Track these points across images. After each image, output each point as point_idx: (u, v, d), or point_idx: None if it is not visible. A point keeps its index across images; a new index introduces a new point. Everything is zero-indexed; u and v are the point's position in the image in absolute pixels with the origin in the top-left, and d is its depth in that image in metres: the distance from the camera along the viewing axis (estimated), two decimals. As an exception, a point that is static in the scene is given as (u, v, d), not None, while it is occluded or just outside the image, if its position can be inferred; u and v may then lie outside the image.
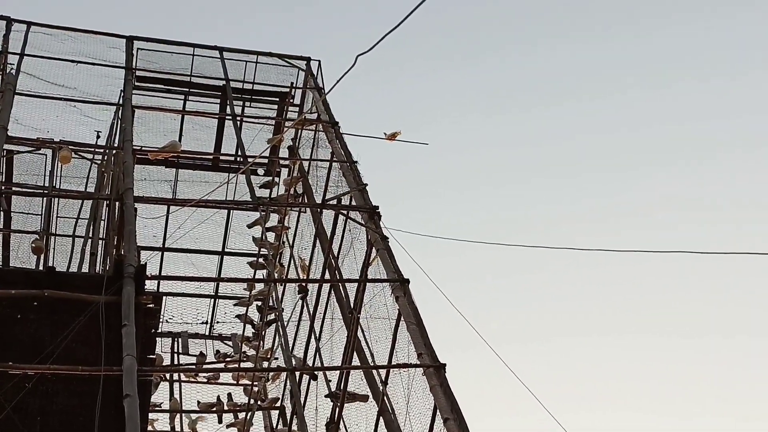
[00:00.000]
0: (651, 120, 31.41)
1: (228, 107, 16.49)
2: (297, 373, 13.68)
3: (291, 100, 17.37)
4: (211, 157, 17.04)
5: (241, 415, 15.12)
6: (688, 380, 28.03)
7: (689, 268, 26.35)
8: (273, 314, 15.71)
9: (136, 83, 16.13)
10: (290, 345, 14.77)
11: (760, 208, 28.87)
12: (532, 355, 25.98)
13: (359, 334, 12.24)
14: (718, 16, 31.43)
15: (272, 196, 16.70)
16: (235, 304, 16.75)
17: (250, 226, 15.98)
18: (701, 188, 30.72)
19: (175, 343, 17.08)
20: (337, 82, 8.06)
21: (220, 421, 15.32)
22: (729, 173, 30.23)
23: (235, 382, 16.01)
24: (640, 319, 28.96)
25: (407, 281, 11.53)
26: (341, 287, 13.21)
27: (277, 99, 17.58)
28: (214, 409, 15.28)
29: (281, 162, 16.93)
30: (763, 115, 29.91)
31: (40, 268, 13.51)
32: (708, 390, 27.40)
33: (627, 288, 28.93)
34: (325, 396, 12.49)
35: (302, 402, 13.48)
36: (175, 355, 16.94)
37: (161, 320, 13.32)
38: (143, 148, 15.12)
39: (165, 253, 16.77)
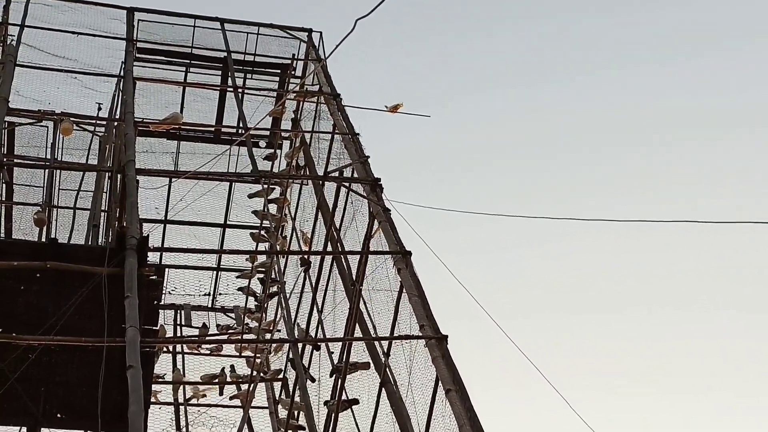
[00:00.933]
0: (656, 93, 31.33)
1: (229, 79, 16.43)
2: (299, 345, 13.72)
3: (292, 72, 17.31)
4: (212, 129, 17.01)
5: (244, 387, 15.19)
6: (694, 355, 28.08)
7: (695, 240, 26.36)
8: (275, 286, 15.74)
9: (137, 55, 16.07)
10: (292, 317, 14.81)
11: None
12: (535, 328, 26.05)
13: (361, 306, 12.27)
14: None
15: (274, 169, 16.69)
16: (237, 277, 16.77)
17: (251, 197, 15.97)
18: (706, 161, 30.69)
19: (178, 315, 17.12)
20: (336, 47, 8.03)
21: (221, 393, 15.39)
22: (736, 147, 30.17)
23: (237, 354, 16.08)
24: (645, 293, 29.01)
25: (409, 253, 11.53)
26: (343, 259, 13.22)
27: (279, 71, 17.52)
28: (216, 380, 15.34)
29: (283, 134, 16.90)
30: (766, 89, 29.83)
31: (43, 240, 13.53)
32: (715, 365, 27.45)
33: (633, 260, 28.94)
34: (330, 374, 12.52)
35: (305, 373, 13.53)
36: (178, 327, 16.99)
37: (164, 292, 13.33)
38: (144, 120, 15.09)
39: (167, 225, 16.77)
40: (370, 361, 11.74)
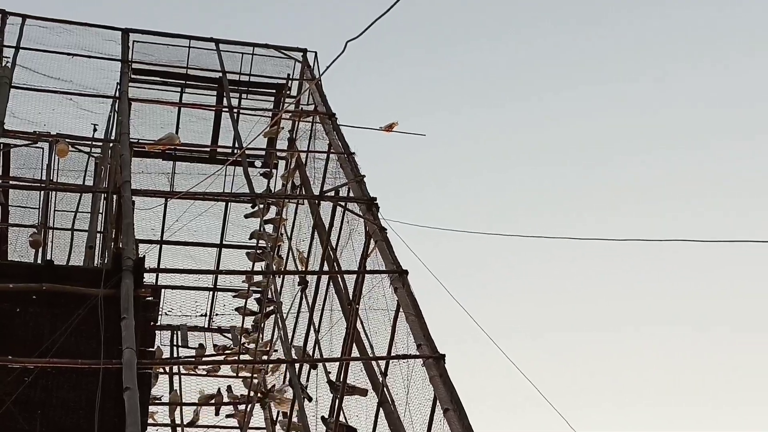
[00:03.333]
0: (646, 107, 31.41)
1: (225, 99, 16.47)
2: (297, 365, 13.69)
3: (288, 92, 17.34)
4: (208, 149, 17.03)
5: (242, 407, 15.14)
6: (693, 372, 28.07)
7: (690, 258, 26.37)
8: (272, 306, 15.72)
9: (133, 76, 16.11)
10: (289, 337, 14.78)
11: (759, 196, 28.91)
12: (532, 347, 26.01)
13: (358, 325, 12.25)
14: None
15: (270, 189, 16.70)
16: (234, 297, 16.76)
17: (247, 217, 15.99)
18: (699, 176, 30.75)
19: (175, 335, 17.08)
20: (327, 68, 8.06)
21: (216, 413, 15.33)
22: (726, 160, 30.24)
23: (234, 375, 16.03)
24: (643, 311, 28.97)
25: (406, 272, 11.52)
26: (340, 279, 13.21)
27: (274, 91, 17.56)
28: (213, 401, 15.29)
29: (278, 154, 16.92)
30: (761, 102, 29.92)
31: (39, 261, 13.50)
32: (714, 380, 27.44)
33: (630, 279, 28.94)
34: (326, 382, 12.50)
35: (302, 392, 13.49)
36: (175, 348, 16.94)
37: (160, 313, 13.30)
38: (140, 141, 15.11)
39: (163, 246, 16.75)
40: (369, 384, 11.71)
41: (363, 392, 11.80)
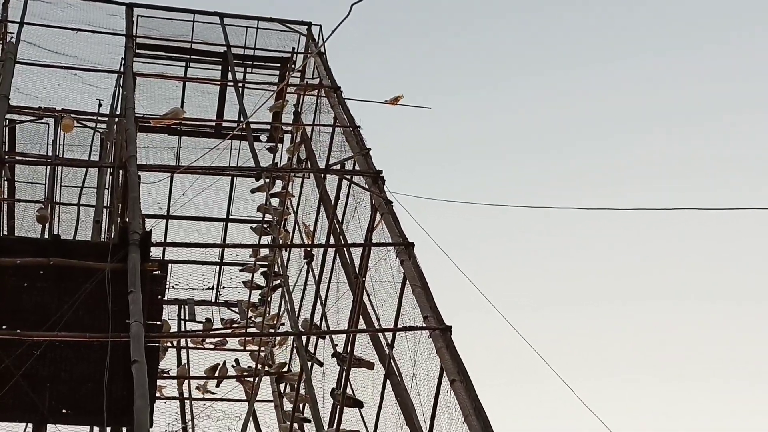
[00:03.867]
0: (655, 83, 31.28)
1: (229, 73, 16.43)
2: (304, 338, 13.74)
3: (292, 66, 17.29)
4: (213, 123, 17.01)
5: (248, 380, 15.21)
6: (701, 344, 28.07)
7: (698, 229, 26.34)
8: (278, 280, 15.75)
9: (137, 50, 16.06)
10: (296, 310, 14.83)
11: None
12: (540, 318, 26.05)
13: (365, 298, 12.28)
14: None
15: (276, 163, 16.69)
16: (240, 270, 16.80)
17: (253, 191, 15.99)
18: (705, 148, 30.65)
19: (182, 309, 17.14)
20: (333, 32, 8.03)
21: (218, 385, 15.39)
22: (733, 133, 30.14)
23: (242, 348, 16.10)
24: (651, 284, 28.97)
25: (412, 245, 11.53)
26: (346, 252, 13.22)
27: (279, 65, 17.51)
28: (218, 373, 15.36)
29: (284, 128, 16.90)
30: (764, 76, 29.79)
31: (45, 236, 13.54)
32: (720, 353, 27.44)
33: (637, 250, 28.92)
34: (332, 356, 12.55)
35: (309, 366, 13.55)
36: (182, 322, 17.01)
37: (167, 287, 13.34)
38: (145, 116, 15.10)
39: (169, 220, 16.77)
40: (376, 356, 11.75)
41: (370, 365, 11.84)
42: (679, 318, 28.06)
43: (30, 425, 10.42)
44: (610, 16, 32.39)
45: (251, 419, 14.59)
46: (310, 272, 14.73)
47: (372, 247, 12.21)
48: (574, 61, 32.23)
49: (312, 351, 13.72)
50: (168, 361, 15.44)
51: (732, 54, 30.54)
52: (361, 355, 11.96)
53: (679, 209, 10.69)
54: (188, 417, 15.38)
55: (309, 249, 14.62)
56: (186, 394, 15.56)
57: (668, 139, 30.62)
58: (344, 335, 12.47)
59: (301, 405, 13.93)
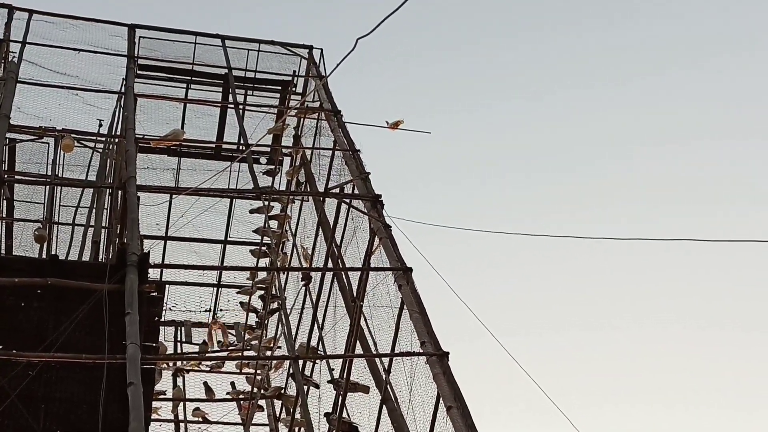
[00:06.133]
0: (651, 106, 31.37)
1: (230, 95, 16.47)
2: (300, 362, 13.70)
3: (293, 89, 17.34)
4: (213, 145, 17.03)
5: (245, 404, 15.15)
6: (698, 373, 28.01)
7: (694, 258, 26.33)
8: (276, 303, 15.72)
9: (138, 71, 16.10)
10: (293, 333, 14.79)
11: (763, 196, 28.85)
12: (536, 345, 25.98)
13: (362, 322, 12.25)
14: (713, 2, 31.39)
15: (275, 185, 16.70)
16: (238, 292, 16.77)
17: (252, 212, 16.00)
18: (704, 176, 30.70)
19: (179, 331, 17.10)
20: (337, 65, 8.07)
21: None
22: (731, 160, 30.20)
23: (238, 371, 16.04)
24: (649, 310, 28.93)
25: (410, 269, 11.52)
26: (344, 276, 13.21)
27: (280, 87, 17.56)
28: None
29: (283, 150, 16.92)
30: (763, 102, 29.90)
31: (43, 256, 13.51)
32: (718, 382, 27.38)
33: (633, 277, 28.87)
34: (328, 382, 12.50)
35: (305, 390, 13.50)
36: (179, 344, 16.96)
37: (164, 308, 13.31)
38: (145, 137, 15.11)
39: (168, 241, 16.76)
40: (370, 385, 11.71)
41: (365, 389, 11.80)
42: (675, 344, 28.03)
43: (24, 446, 10.35)
44: (606, 39, 32.55)
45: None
46: (308, 295, 14.71)
47: (370, 272, 12.19)
48: (572, 84, 32.35)
49: (309, 375, 13.68)
50: (163, 383, 15.38)
51: (730, 77, 30.66)
52: (357, 380, 11.92)
53: (679, 240, 10.69)
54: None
55: (307, 272, 14.60)
56: (181, 416, 15.50)
57: (671, 161, 30.66)
58: (341, 360, 12.43)
59: (296, 429, 13.86)
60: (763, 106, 30.08)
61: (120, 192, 12.12)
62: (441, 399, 9.84)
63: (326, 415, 12.37)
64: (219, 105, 16.82)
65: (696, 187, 30.28)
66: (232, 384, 15.66)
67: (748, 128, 29.76)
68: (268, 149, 16.92)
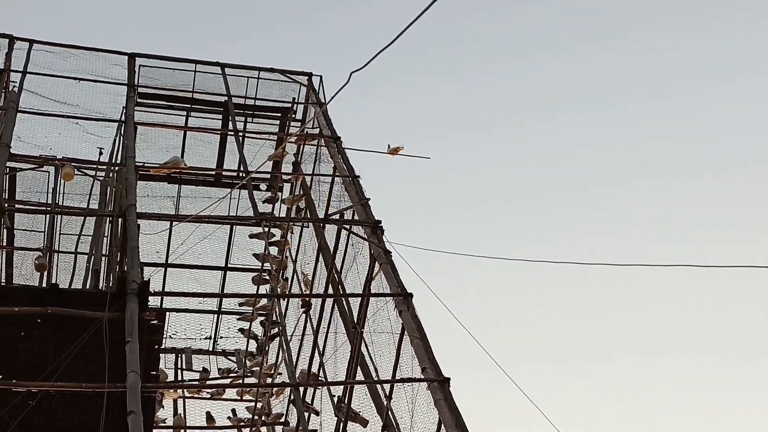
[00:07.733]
0: (653, 133, 31.43)
1: (230, 123, 16.52)
2: (301, 388, 13.66)
3: (293, 116, 17.40)
4: (213, 172, 17.07)
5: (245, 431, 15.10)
6: (703, 402, 27.87)
7: (696, 284, 26.28)
8: (276, 329, 15.70)
9: (138, 100, 16.17)
10: (294, 360, 14.76)
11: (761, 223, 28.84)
12: (538, 371, 25.88)
13: (363, 348, 12.23)
14: (715, 28, 31.53)
15: (275, 212, 16.72)
16: (238, 319, 16.74)
17: (252, 236, 16.01)
18: (704, 203, 30.71)
19: (179, 359, 17.05)
20: (332, 98, 8.14)
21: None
22: (731, 188, 30.22)
23: (239, 398, 15.99)
24: (650, 338, 28.81)
25: (410, 295, 11.52)
26: (344, 302, 13.20)
27: (279, 114, 17.62)
28: (208, 425, 15.28)
29: (283, 177, 16.96)
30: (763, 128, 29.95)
31: (44, 285, 13.51)
32: (719, 409, 27.27)
33: (636, 304, 28.80)
34: (334, 407, 12.46)
35: (306, 417, 13.46)
36: (179, 371, 16.91)
37: (165, 336, 13.29)
38: (146, 165, 15.15)
39: (168, 269, 16.74)
40: (372, 416, 11.67)
41: (364, 423, 11.76)
42: (680, 374, 27.90)
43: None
44: (610, 63, 32.65)
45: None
46: (308, 322, 14.69)
47: (370, 297, 12.19)
48: (572, 108, 32.42)
49: (309, 401, 13.64)
50: (164, 411, 15.33)
51: (730, 105, 30.74)
52: (359, 410, 11.88)
53: (678, 266, 10.68)
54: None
55: (307, 298, 14.59)
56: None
57: (673, 190, 30.67)
58: (342, 386, 12.40)
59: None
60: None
61: (120, 220, 12.13)
62: (442, 425, 9.82)
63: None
64: (219, 132, 16.88)
65: (696, 215, 30.30)
66: (233, 411, 15.60)
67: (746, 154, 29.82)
68: (268, 176, 16.95)
